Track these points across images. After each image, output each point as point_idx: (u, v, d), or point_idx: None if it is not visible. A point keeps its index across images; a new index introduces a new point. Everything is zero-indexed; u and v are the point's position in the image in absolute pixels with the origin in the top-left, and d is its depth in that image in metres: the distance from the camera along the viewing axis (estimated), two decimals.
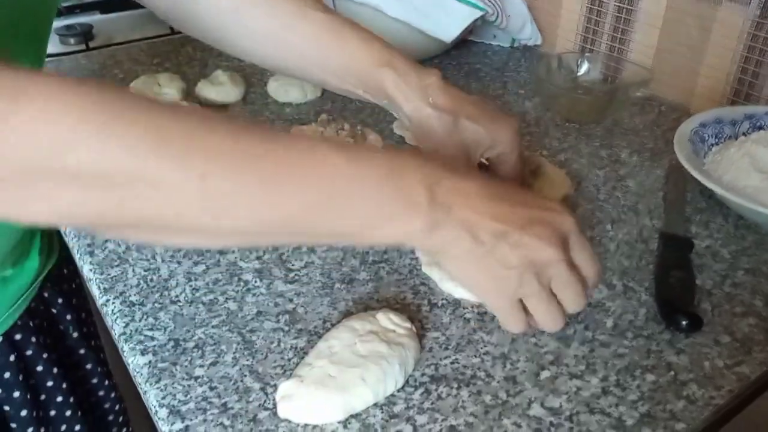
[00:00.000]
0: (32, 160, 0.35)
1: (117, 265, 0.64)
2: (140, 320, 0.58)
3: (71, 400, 0.75)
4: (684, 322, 0.57)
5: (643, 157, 0.84)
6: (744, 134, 0.78)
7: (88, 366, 0.80)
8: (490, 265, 0.46)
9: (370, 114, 0.92)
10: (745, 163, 0.70)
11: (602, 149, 0.85)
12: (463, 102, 0.62)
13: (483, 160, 0.64)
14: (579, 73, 0.97)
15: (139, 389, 0.54)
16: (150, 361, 0.54)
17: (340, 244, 0.62)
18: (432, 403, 0.51)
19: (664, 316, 0.58)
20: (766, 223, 0.69)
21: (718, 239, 0.69)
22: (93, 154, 0.35)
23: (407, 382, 0.53)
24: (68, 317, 0.78)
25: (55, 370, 0.73)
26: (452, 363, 0.54)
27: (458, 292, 0.61)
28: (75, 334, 0.78)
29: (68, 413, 0.75)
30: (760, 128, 0.78)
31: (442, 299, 0.61)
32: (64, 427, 0.75)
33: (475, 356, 0.55)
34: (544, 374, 0.54)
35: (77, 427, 0.76)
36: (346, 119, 0.84)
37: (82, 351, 0.79)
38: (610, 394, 0.52)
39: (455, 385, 0.52)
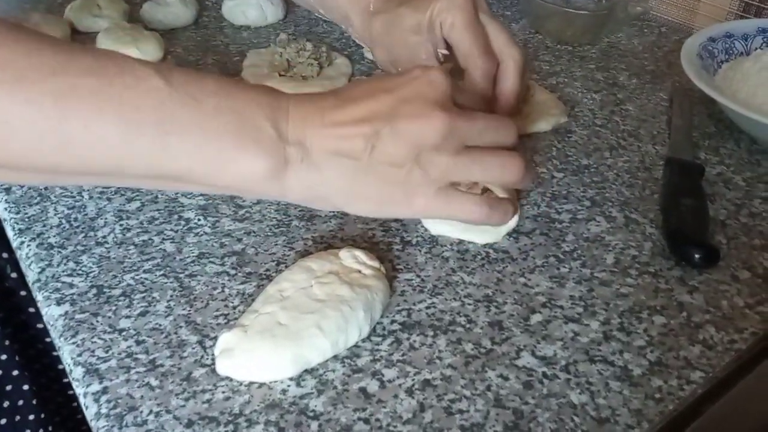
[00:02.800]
0: None
1: (36, 203, 0.55)
2: (58, 265, 0.49)
3: (5, 340, 0.67)
4: (697, 256, 0.49)
5: (643, 80, 0.75)
6: (758, 50, 0.69)
7: (31, 309, 0.72)
8: (383, 173, 0.39)
9: (339, 38, 0.82)
10: (762, 78, 0.62)
11: (598, 72, 0.76)
12: None
13: (441, 51, 0.55)
14: None
15: (55, 345, 0.45)
16: (66, 312, 0.45)
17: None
18: (403, 355, 0.43)
19: (674, 249, 0.50)
20: None
21: (730, 165, 0.61)
22: None
23: (374, 330, 0.44)
24: (4, 255, 0.69)
25: None
26: (428, 308, 0.46)
27: (436, 229, 0.53)
28: (14, 275, 0.70)
29: (3, 357, 0.67)
30: None
31: (417, 236, 0.53)
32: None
33: (455, 299, 0.47)
34: (535, 318, 0.45)
35: (15, 372, 0.68)
36: (311, 41, 0.74)
37: (23, 293, 0.71)
38: (613, 339, 0.44)
39: (431, 333, 0.44)
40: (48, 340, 0.75)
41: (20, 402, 0.70)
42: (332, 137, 0.38)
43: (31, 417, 0.71)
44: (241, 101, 0.37)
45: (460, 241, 0.52)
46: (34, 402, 0.71)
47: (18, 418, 0.70)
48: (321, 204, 0.41)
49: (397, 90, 0.40)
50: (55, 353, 0.76)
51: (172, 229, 0.52)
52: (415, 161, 0.39)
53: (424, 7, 0.53)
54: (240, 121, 0.36)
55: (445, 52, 0.55)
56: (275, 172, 0.38)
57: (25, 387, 0.70)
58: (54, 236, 0.52)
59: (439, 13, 0.52)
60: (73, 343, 0.43)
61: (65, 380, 0.78)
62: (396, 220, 0.54)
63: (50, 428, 0.73)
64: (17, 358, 0.69)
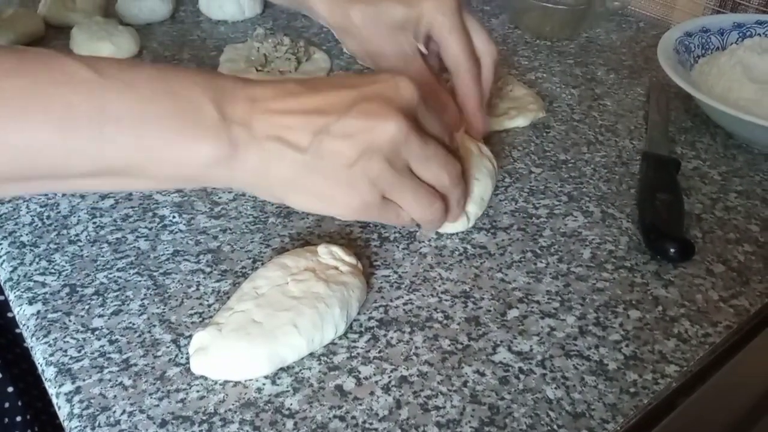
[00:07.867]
0: None
1: (8, 201, 0.54)
2: (31, 264, 0.48)
3: None
4: (672, 250, 0.49)
5: (621, 75, 0.75)
6: (733, 45, 0.70)
7: (10, 314, 0.71)
8: (327, 169, 0.37)
9: (317, 33, 0.81)
10: (737, 73, 0.62)
11: (576, 67, 0.76)
12: None
13: (421, 48, 0.54)
14: None
15: (27, 346, 0.45)
16: (39, 311, 0.45)
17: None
18: (380, 351, 0.43)
19: (650, 243, 0.50)
20: (760, 139, 0.61)
21: (706, 160, 0.62)
22: None
23: (350, 327, 0.44)
24: None
25: None
26: (405, 304, 0.46)
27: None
28: None
29: None
30: (750, 38, 0.70)
31: (395, 232, 0.52)
32: None
33: (432, 295, 0.47)
34: (512, 313, 0.46)
35: None
36: (289, 36, 0.74)
37: (0, 298, 0.70)
38: (589, 334, 0.44)
39: (408, 330, 0.44)
40: (26, 345, 0.74)
41: (6, 404, 0.69)
42: (279, 125, 0.36)
43: (18, 419, 0.70)
44: (179, 84, 0.35)
45: (438, 237, 0.52)
46: (20, 404, 0.70)
47: (6, 420, 0.69)
48: (264, 194, 0.40)
49: (361, 87, 0.38)
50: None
51: (146, 227, 0.52)
52: (360, 163, 0.37)
53: (414, 3, 0.52)
54: (178, 104, 0.34)
55: (423, 50, 0.54)
56: (221, 158, 0.36)
57: (10, 389, 0.69)
58: (26, 234, 0.51)
59: (430, 12, 0.52)
60: (45, 342, 0.43)
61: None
62: None
63: (36, 429, 0.72)
64: None
